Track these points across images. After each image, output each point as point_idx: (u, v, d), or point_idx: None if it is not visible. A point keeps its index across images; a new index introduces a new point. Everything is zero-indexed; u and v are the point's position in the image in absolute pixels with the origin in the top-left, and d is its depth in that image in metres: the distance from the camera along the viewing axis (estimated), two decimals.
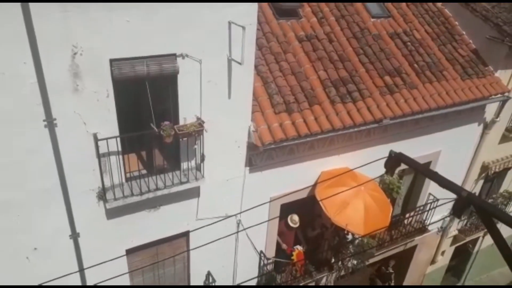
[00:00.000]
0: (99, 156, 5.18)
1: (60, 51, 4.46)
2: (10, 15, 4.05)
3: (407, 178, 9.83)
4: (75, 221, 5.52)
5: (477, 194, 11.56)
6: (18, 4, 4.04)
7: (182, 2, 4.86)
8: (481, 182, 11.52)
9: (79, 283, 5.96)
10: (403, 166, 4.47)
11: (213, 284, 7.37)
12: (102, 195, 5.50)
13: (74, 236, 5.62)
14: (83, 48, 4.57)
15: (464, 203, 3.39)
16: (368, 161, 6.73)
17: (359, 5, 8.63)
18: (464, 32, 9.38)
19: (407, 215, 10.01)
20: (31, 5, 4.08)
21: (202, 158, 6.06)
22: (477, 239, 13.27)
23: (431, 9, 9.51)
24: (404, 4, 9.24)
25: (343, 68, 7.54)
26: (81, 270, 5.77)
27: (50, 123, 4.72)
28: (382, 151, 7.77)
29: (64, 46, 4.46)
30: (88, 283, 6.00)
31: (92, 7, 4.39)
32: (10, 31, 4.12)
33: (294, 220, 7.91)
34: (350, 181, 7.41)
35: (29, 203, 5.08)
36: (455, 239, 12.40)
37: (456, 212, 3.46)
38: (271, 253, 8.21)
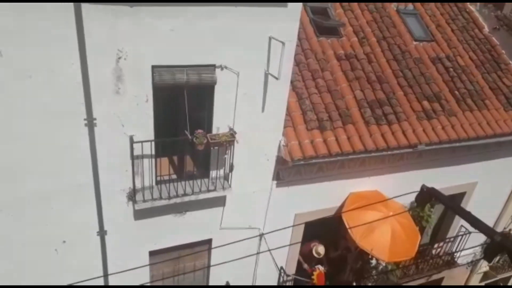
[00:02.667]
0: (133, 157, 5.34)
1: (106, 54, 4.67)
2: (63, 16, 4.28)
3: (439, 207, 9.50)
4: (103, 218, 5.69)
5: None
6: (71, 6, 4.27)
7: (226, 14, 4.99)
8: None
9: (101, 279, 6.11)
10: None
11: None
12: (132, 196, 5.66)
13: (102, 233, 5.79)
14: (128, 53, 4.76)
15: (496, 248, 3.24)
16: (399, 185, 6.63)
17: (402, 27, 8.54)
18: (510, 62, 9.07)
19: (436, 246, 9.66)
20: (83, 8, 4.31)
21: (231, 168, 6.13)
22: (509, 277, 12.60)
23: (477, 36, 9.28)
24: (449, 29, 9.07)
25: (380, 90, 7.46)
26: (106, 275, 5.92)
27: (90, 122, 4.92)
28: (414, 177, 7.67)
29: (110, 50, 4.67)
30: (111, 283, 6.14)
31: (141, 13, 4.58)
32: (62, 32, 4.36)
33: (318, 252, 7.77)
34: (379, 206, 7.27)
35: (63, 196, 5.29)
36: (485, 275, 11.82)
37: (487, 256, 3.31)
38: (291, 270, 8.12)
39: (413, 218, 8.02)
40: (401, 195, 5.22)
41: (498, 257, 11.51)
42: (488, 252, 3.33)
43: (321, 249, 7.79)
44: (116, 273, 5.03)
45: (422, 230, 8.70)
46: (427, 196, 4.08)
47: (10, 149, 4.74)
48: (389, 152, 7.06)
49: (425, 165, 8.03)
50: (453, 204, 4.36)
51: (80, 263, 5.77)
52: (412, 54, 8.23)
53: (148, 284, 6.69)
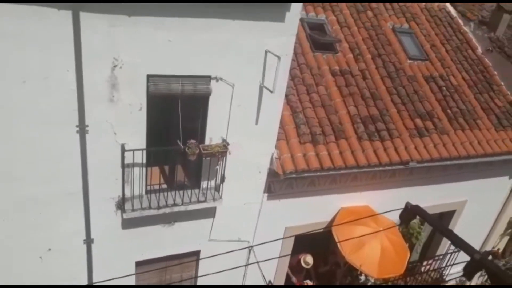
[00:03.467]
0: (123, 166, 5.31)
1: (102, 62, 4.67)
2: (61, 22, 4.28)
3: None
4: (91, 226, 5.62)
5: (500, 250, 11.09)
6: (70, 13, 4.28)
7: (224, 27, 5.03)
8: (506, 238, 11.06)
9: None
10: None
11: None
12: (120, 205, 5.61)
13: (88, 241, 5.72)
14: (124, 61, 4.76)
15: (476, 266, 3.28)
16: (390, 201, 6.65)
17: (397, 45, 8.66)
18: (502, 83, 9.23)
19: (425, 263, 9.68)
20: (81, 16, 4.32)
21: (222, 179, 6.11)
22: None
23: (470, 57, 9.44)
24: (443, 49, 9.22)
25: (374, 106, 7.53)
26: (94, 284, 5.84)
27: (82, 129, 4.90)
28: (405, 194, 7.70)
29: (106, 58, 4.67)
30: None
31: (139, 23, 4.60)
32: (58, 38, 4.35)
33: (307, 262, 7.76)
34: (369, 221, 7.29)
35: (51, 203, 5.23)
36: None
37: (467, 274, 3.34)
38: (280, 283, 8.07)
39: (402, 235, 8.04)
40: (387, 212, 5.24)
41: (479, 276, 11.54)
42: (468, 270, 3.36)
43: (309, 258, 7.76)
44: (102, 281, 4.94)
45: (411, 247, 8.72)
46: (411, 213, 4.10)
47: (0, 155, 4.68)
48: (380, 168, 7.11)
49: (416, 182, 8.07)
50: (436, 222, 4.37)
51: (65, 271, 5.68)
52: (406, 72, 8.33)
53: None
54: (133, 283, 6.39)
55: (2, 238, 5.19)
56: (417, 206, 4.01)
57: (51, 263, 5.63)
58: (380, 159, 6.95)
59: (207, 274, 5.23)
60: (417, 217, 5.70)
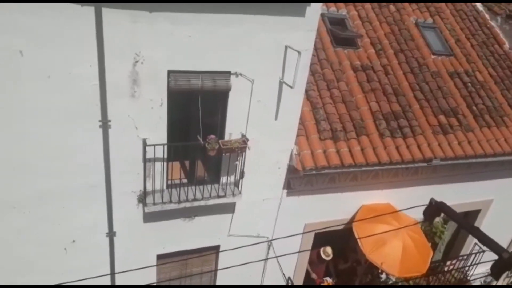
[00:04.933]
0: (145, 160, 5.36)
1: (124, 58, 4.70)
2: (84, 18, 4.33)
3: (453, 223, 9.27)
4: (113, 220, 5.70)
5: None
6: (92, 9, 4.32)
7: (243, 22, 4.98)
8: None
9: (108, 280, 6.11)
10: None
11: None
12: (142, 199, 5.66)
13: (111, 234, 5.80)
14: (145, 57, 4.79)
15: (504, 265, 3.12)
16: (412, 200, 6.49)
17: (420, 40, 8.42)
18: None
19: (448, 263, 9.40)
20: (104, 11, 4.36)
21: (242, 175, 6.09)
22: None
23: (497, 52, 9.08)
24: (468, 44, 8.90)
25: (396, 102, 7.35)
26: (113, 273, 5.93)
27: (105, 123, 4.95)
28: (428, 192, 7.50)
29: (128, 53, 4.70)
30: (117, 283, 6.14)
31: (159, 19, 4.61)
32: (81, 34, 4.40)
33: (327, 252, 7.68)
34: (391, 220, 7.14)
35: (75, 196, 5.32)
36: None
37: (494, 273, 3.19)
38: (299, 280, 8.00)
39: (425, 233, 7.83)
40: (410, 208, 5.09)
41: (505, 277, 11.15)
42: (495, 269, 3.21)
43: (329, 249, 7.67)
44: (123, 272, 4.99)
45: (434, 246, 8.48)
46: (435, 210, 3.96)
47: (25, 148, 4.79)
48: (403, 166, 6.93)
49: (440, 180, 7.84)
50: (461, 220, 4.22)
51: (88, 263, 5.78)
52: (430, 68, 8.09)
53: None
54: (154, 276, 6.44)
55: (27, 229, 5.32)
56: (441, 203, 3.87)
57: (75, 255, 5.74)
58: (402, 156, 6.79)
59: (226, 267, 5.21)
60: (442, 215, 5.56)
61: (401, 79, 7.71)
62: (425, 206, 4.10)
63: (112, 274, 6.00)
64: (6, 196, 5.01)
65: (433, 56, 8.33)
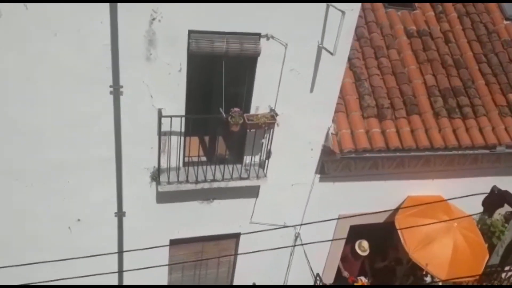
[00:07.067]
0: (160, 133, 5.48)
1: (139, 14, 4.75)
2: None
3: None
4: (123, 198, 5.92)
5: None
6: None
7: None
8: None
9: (115, 265, 6.40)
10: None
11: None
12: (156, 177, 5.82)
13: (120, 214, 6.04)
14: (163, 14, 4.82)
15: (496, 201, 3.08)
16: (468, 192, 6.39)
17: (491, 3, 8.10)
18: None
19: (507, 268, 9.30)
20: None
21: (268, 155, 6.15)
22: None
23: None
24: None
25: (457, 76, 7.20)
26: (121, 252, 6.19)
27: (116, 90, 5.07)
28: (489, 185, 7.32)
29: (144, 9, 4.74)
30: (125, 268, 6.42)
31: None
32: None
33: (363, 246, 7.75)
34: (441, 214, 7.11)
35: (82, 170, 5.53)
36: None
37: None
38: (329, 278, 8.12)
39: (482, 233, 7.75)
40: (465, 196, 5.02)
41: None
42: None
43: (365, 243, 7.75)
44: (133, 250, 5.15)
45: (491, 248, 8.40)
46: (497, 199, 3.89)
47: (29, 115, 4.98)
48: (460, 152, 6.85)
49: (504, 171, 7.72)
50: None
51: (94, 245, 6.03)
52: (501, 36, 7.84)
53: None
54: (166, 262, 6.68)
55: (28, 205, 5.60)
56: (506, 192, 3.80)
57: (80, 235, 6.02)
58: (460, 141, 6.69)
59: (247, 253, 5.32)
60: (501, 214, 5.44)
61: (465, 49, 7.52)
62: (486, 195, 4.03)
63: (120, 252, 6.25)
64: (8, 167, 5.25)
65: (505, 22, 8.04)
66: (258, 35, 5.27)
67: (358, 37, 6.88)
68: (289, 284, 7.85)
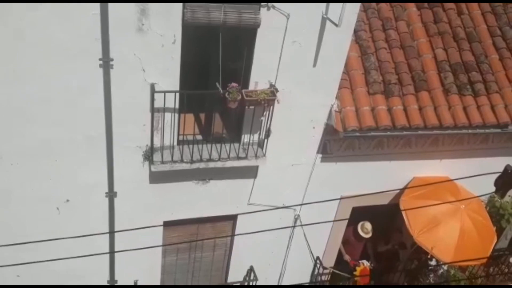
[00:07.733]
0: (153, 110, 5.44)
1: None
2: None
3: None
4: (114, 178, 5.91)
5: None
6: None
7: None
8: None
9: (106, 247, 6.44)
10: None
11: (254, 284, 7.59)
12: (148, 155, 5.81)
13: (111, 194, 6.05)
14: None
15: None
16: (477, 173, 6.41)
17: None
18: None
19: None
20: None
21: (268, 133, 6.12)
22: None
23: None
24: None
25: (469, 50, 7.14)
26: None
27: (106, 63, 5.00)
28: (499, 164, 7.34)
29: None
30: (117, 249, 6.46)
31: None
32: None
33: (365, 228, 7.82)
34: (448, 195, 7.15)
35: (69, 148, 5.51)
36: None
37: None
38: (329, 262, 8.22)
39: (490, 215, 7.81)
40: (475, 176, 5.01)
41: None
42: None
43: (368, 225, 7.83)
44: (124, 230, 5.17)
45: (500, 231, 8.48)
46: (511, 179, 3.85)
47: (13, 91, 4.92)
48: (470, 131, 6.84)
49: None
50: None
51: (84, 227, 6.04)
52: None
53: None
54: (160, 243, 6.72)
55: (13, 185, 5.59)
56: None
57: (69, 217, 6.04)
58: (470, 119, 6.69)
59: (244, 234, 5.35)
60: (510, 195, 5.43)
61: (478, 21, 7.44)
62: (498, 174, 4.00)
63: (111, 233, 6.29)
64: None
65: None
66: (258, 4, 5.17)
67: (365, 7, 6.81)
68: (287, 266, 7.93)
